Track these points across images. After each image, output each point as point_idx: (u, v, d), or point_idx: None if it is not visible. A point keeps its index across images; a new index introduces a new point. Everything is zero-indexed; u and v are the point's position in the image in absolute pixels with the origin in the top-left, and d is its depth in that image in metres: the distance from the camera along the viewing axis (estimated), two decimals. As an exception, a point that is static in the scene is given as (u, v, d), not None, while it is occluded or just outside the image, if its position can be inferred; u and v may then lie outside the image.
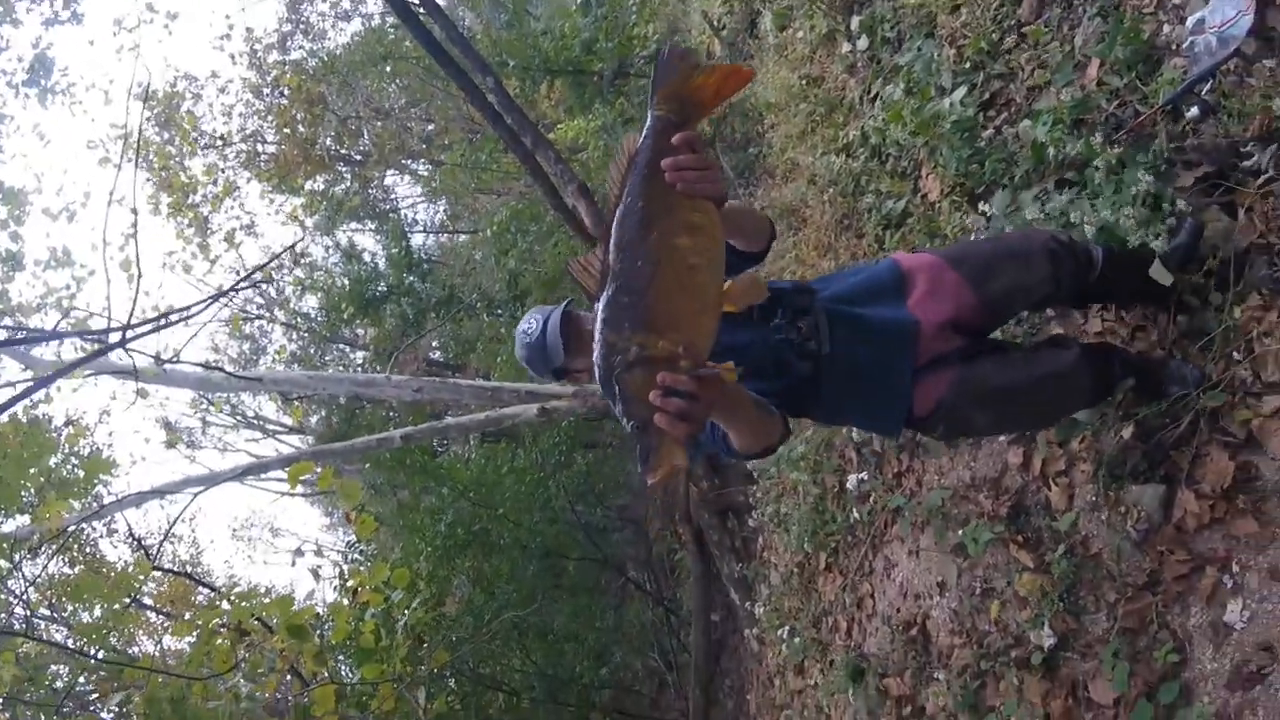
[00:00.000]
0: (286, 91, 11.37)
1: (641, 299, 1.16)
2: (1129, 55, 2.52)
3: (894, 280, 1.91)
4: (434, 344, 12.11)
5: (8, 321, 7.13)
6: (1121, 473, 2.34)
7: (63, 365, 4.21)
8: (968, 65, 3.33)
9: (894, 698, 3.45)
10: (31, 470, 4.19)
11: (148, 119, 10.96)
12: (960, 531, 3.04)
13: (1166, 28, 2.54)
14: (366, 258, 11.73)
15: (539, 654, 6.72)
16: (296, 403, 12.43)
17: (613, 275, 1.19)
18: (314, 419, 13.51)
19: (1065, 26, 3.01)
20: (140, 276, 2.74)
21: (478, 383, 6.93)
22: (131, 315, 2.57)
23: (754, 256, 1.71)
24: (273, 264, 11.20)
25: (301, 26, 12.92)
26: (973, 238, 3.09)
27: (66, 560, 8.15)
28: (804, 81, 5.05)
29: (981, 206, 3.02)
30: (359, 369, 13.48)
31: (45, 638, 5.68)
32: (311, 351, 14.08)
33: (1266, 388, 2.02)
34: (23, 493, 4.35)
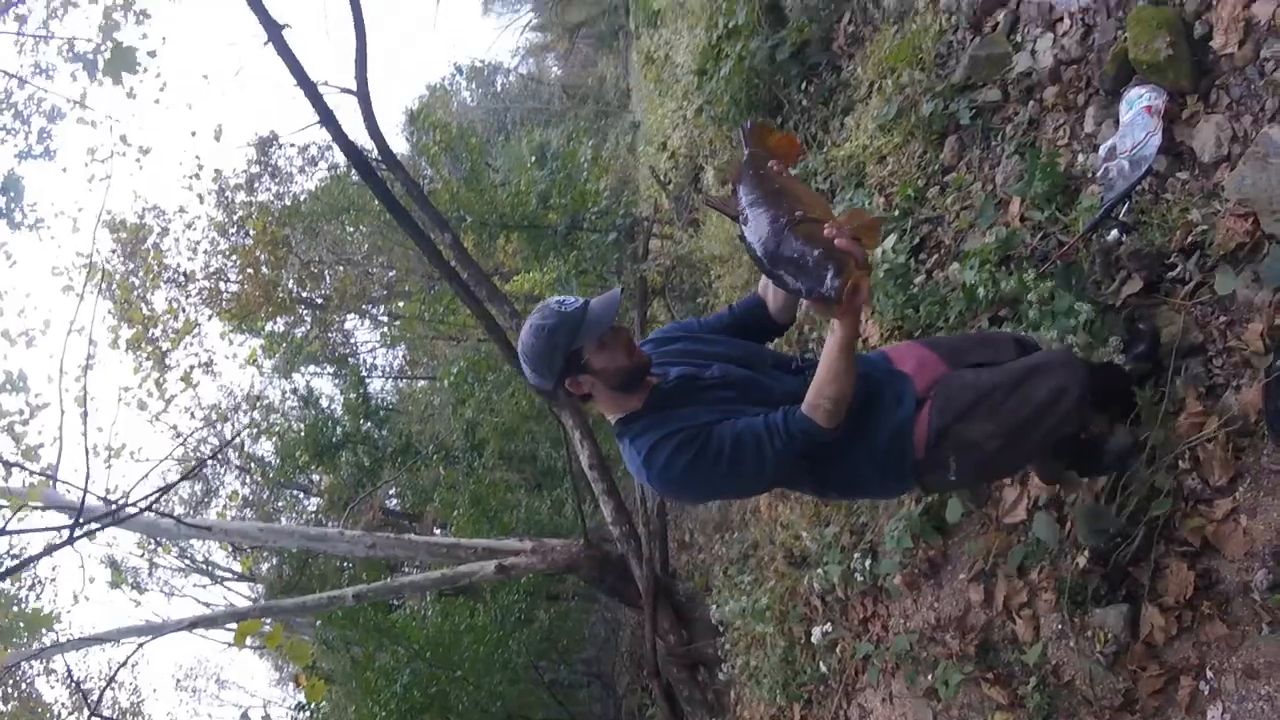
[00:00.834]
0: (251, 233, 11.53)
1: (789, 198, 1.59)
2: (1047, 189, 2.66)
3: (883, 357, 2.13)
4: (391, 492, 11.85)
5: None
6: (1084, 597, 2.33)
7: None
8: (896, 212, 3.47)
9: None
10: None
11: (113, 250, 11.04)
12: (931, 675, 3.00)
13: (1081, 157, 2.69)
14: (324, 403, 11.60)
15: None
16: (247, 551, 11.94)
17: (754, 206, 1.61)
18: (265, 566, 12.96)
19: (986, 166, 3.18)
20: (89, 418, 2.65)
21: (434, 539, 6.75)
22: (87, 482, 2.46)
23: (778, 328, 2.06)
24: (234, 438, 11.00)
25: (270, 169, 13.26)
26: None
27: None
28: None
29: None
30: (313, 516, 13.07)
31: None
32: (265, 496, 13.66)
33: (1215, 492, 2.04)
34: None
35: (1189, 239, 2.22)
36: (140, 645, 4.89)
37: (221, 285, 12.29)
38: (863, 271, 1.42)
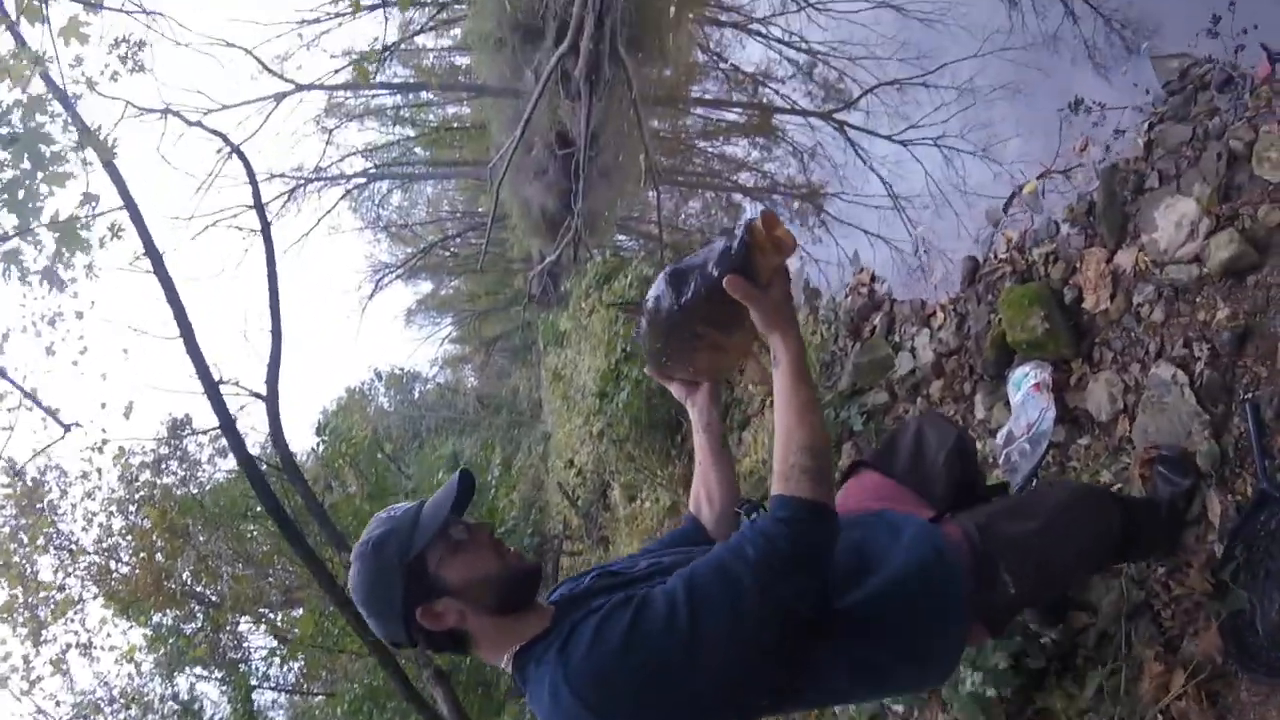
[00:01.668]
0: (150, 518, 10.84)
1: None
2: None
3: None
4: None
5: None
6: None
7: None
8: None
9: None
10: None
11: (4, 500, 10.13)
12: None
13: (977, 444, 2.65)
14: (207, 711, 10.06)
15: None
16: None
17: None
18: None
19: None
20: None
21: None
22: None
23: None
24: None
25: (179, 453, 12.74)
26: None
27: None
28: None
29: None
30: None
31: None
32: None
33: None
34: None
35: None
36: None
37: (113, 564, 11.52)
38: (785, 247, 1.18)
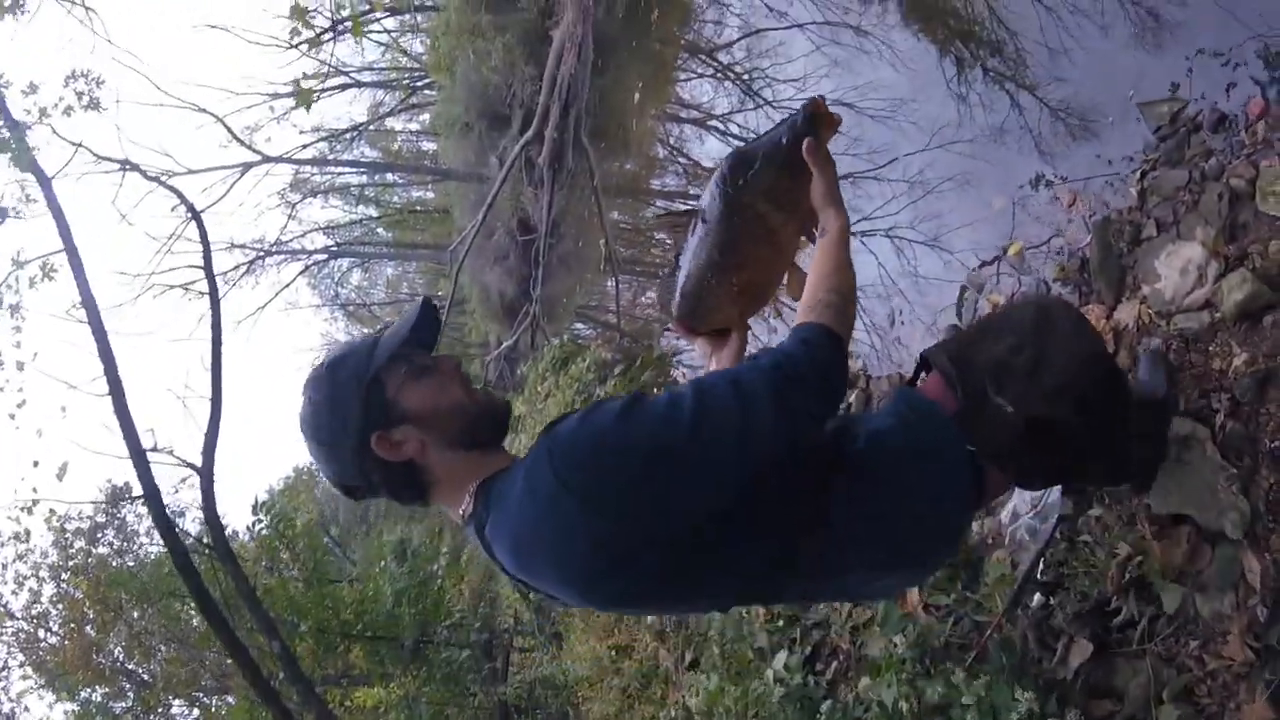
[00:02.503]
0: (84, 587, 10.42)
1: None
2: (947, 569, 2.44)
3: None
4: None
5: None
6: None
7: None
8: (780, 622, 3.22)
9: None
10: None
11: None
12: None
13: (974, 525, 2.52)
14: None
15: None
16: None
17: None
18: None
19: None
20: None
21: None
22: None
23: None
24: None
25: (115, 521, 12.13)
26: None
27: None
28: (613, 652, 4.87)
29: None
30: None
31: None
32: None
33: None
34: None
35: (1125, 576, 2.04)
36: None
37: (42, 632, 11.20)
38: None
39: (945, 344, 1.48)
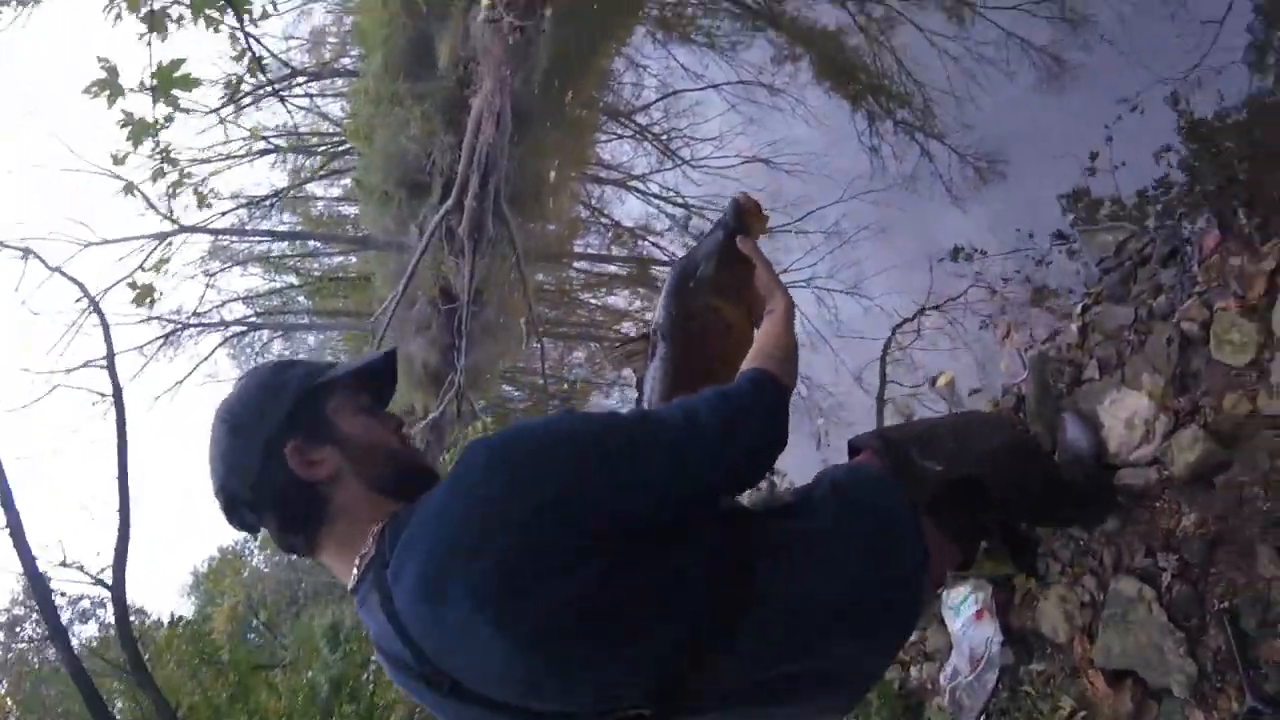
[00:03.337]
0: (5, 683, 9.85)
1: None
2: (886, 717, 2.37)
3: None
4: None
5: None
6: None
7: None
8: None
9: None
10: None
11: None
12: None
13: (913, 670, 2.44)
14: None
15: None
16: None
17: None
18: None
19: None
20: None
21: None
22: None
23: None
24: None
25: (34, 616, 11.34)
26: None
27: None
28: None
29: None
30: None
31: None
32: None
33: None
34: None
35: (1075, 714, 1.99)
36: None
37: None
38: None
39: (872, 431, 1.57)
